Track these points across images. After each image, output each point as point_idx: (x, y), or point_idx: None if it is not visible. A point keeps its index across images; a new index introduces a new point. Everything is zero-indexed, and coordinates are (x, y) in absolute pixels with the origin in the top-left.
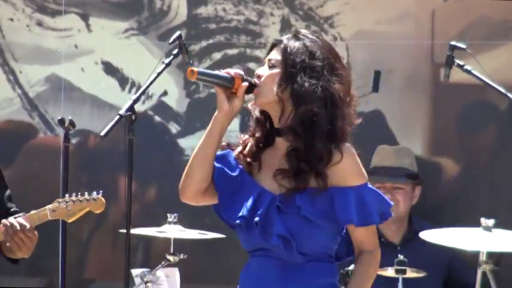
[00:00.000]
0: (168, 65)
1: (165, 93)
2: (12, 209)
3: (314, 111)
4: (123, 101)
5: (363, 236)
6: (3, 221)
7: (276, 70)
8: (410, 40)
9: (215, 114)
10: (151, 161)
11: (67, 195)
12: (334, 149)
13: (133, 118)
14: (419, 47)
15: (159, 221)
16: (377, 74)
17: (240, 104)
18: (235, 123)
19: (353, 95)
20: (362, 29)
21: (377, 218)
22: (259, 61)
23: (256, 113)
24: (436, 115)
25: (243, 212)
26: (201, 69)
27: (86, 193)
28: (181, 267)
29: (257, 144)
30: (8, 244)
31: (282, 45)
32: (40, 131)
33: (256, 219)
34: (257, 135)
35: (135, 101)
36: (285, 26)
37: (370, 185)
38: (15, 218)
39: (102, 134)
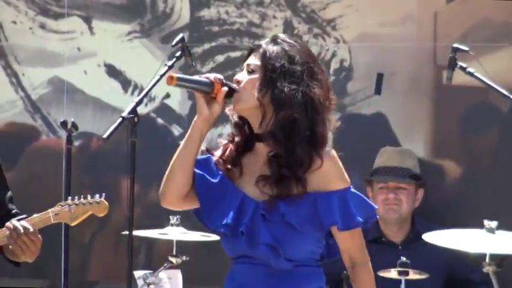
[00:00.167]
0: (170, 67)
1: (167, 95)
2: (13, 211)
3: (294, 117)
4: (126, 103)
5: (349, 242)
6: (7, 224)
7: (256, 75)
8: (412, 42)
9: (194, 119)
10: (153, 163)
11: (70, 198)
12: (315, 155)
13: (135, 120)
14: (422, 49)
15: (161, 223)
16: (379, 77)
17: (219, 108)
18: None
19: (332, 99)
20: (365, 32)
21: (361, 221)
22: None
23: (234, 117)
24: (439, 117)
25: (227, 220)
26: (180, 75)
27: (89, 196)
28: (184, 269)
29: (237, 149)
30: (11, 247)
31: (261, 50)
32: (43, 133)
33: (242, 228)
34: (236, 140)
35: (138, 104)
36: (288, 28)
37: (352, 189)
38: (19, 221)
39: (104, 136)
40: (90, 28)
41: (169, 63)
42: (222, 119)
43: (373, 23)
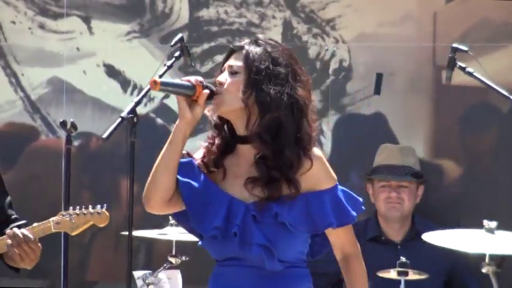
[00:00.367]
0: (170, 67)
1: (167, 95)
2: (12, 216)
3: (281, 119)
4: (125, 103)
5: (342, 236)
6: (7, 231)
7: (239, 77)
8: (412, 42)
9: (176, 123)
10: (153, 163)
11: (71, 208)
12: (303, 156)
13: (135, 120)
14: (421, 49)
15: (161, 223)
16: (379, 77)
17: (201, 111)
18: None
19: (312, 100)
20: (364, 32)
21: (353, 216)
22: None
23: (214, 119)
24: (438, 117)
25: (218, 223)
26: (164, 80)
27: (90, 206)
28: (183, 269)
29: (218, 151)
30: (10, 254)
31: (243, 52)
32: (42, 133)
33: (235, 230)
34: (217, 142)
35: (137, 104)
36: (287, 28)
37: (339, 185)
38: (19, 228)
39: (104, 136)
40: (89, 28)
41: (169, 63)
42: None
43: (372, 23)
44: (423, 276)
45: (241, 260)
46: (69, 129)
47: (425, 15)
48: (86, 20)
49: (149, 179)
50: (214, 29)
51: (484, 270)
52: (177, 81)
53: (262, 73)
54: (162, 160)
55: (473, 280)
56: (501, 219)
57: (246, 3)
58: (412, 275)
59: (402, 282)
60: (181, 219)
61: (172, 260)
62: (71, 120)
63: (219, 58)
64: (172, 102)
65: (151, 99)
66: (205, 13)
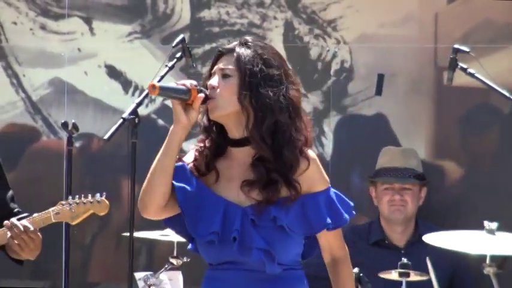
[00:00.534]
0: (171, 68)
1: None
2: (15, 210)
3: (279, 121)
4: (127, 104)
5: (332, 239)
6: (5, 222)
7: (232, 80)
8: (413, 43)
9: (172, 127)
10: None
11: (70, 197)
12: (301, 156)
13: (136, 121)
14: (423, 50)
15: (162, 225)
16: (380, 78)
17: (196, 115)
18: None
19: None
20: (365, 33)
21: (346, 218)
22: None
23: (204, 121)
24: (440, 118)
25: (215, 228)
26: (162, 84)
27: (90, 195)
28: (185, 270)
29: (210, 154)
30: (10, 244)
31: (234, 54)
32: (43, 134)
33: (234, 234)
34: (208, 144)
35: (139, 105)
36: (288, 29)
37: (331, 187)
38: (19, 219)
39: (105, 137)
40: (91, 29)
41: (170, 64)
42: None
43: (373, 23)
44: (424, 278)
45: (238, 264)
46: (71, 130)
47: (426, 16)
48: (87, 21)
49: (145, 185)
50: (216, 29)
51: (485, 272)
52: (173, 85)
53: (258, 76)
54: (158, 165)
55: (475, 275)
56: (502, 220)
57: (247, 4)
58: (414, 276)
59: (404, 284)
60: (169, 222)
61: (174, 261)
62: (72, 121)
63: None
64: None
65: (152, 100)
66: (206, 14)
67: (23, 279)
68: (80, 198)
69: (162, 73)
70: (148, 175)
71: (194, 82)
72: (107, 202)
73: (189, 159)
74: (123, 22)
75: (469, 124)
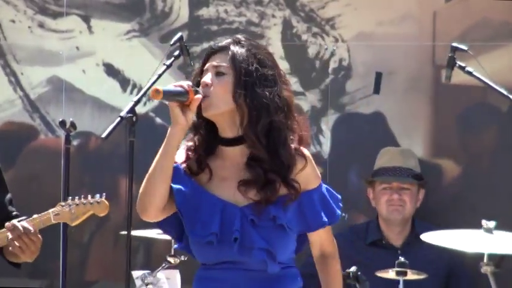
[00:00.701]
0: (169, 66)
1: None
2: (13, 213)
3: (275, 120)
4: (125, 102)
5: (323, 235)
6: (6, 224)
7: (226, 78)
8: (411, 42)
9: (170, 129)
10: (152, 163)
11: (70, 198)
12: (297, 155)
13: (134, 120)
14: (421, 48)
15: None
16: (378, 76)
17: (193, 116)
18: None
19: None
20: (363, 31)
21: (339, 214)
22: None
23: (193, 118)
24: (437, 117)
25: (214, 228)
26: (165, 88)
27: (89, 196)
28: (182, 269)
29: (202, 153)
30: (10, 248)
31: (229, 52)
32: (41, 132)
33: (235, 235)
34: (198, 143)
35: (136, 103)
36: (286, 27)
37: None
38: (19, 221)
39: (103, 135)
40: (89, 27)
41: (168, 62)
42: None
43: (371, 22)
44: (422, 276)
45: (237, 264)
46: (69, 129)
47: (424, 14)
48: (86, 19)
49: (144, 187)
50: (214, 28)
51: (482, 271)
52: (173, 88)
53: (253, 75)
54: (157, 167)
55: (472, 273)
56: (499, 219)
57: (245, 2)
58: (411, 275)
59: (401, 282)
60: (158, 222)
61: (171, 259)
62: (70, 119)
63: None
64: None
65: (150, 99)
66: (205, 12)
67: (20, 278)
68: (79, 199)
69: (160, 71)
70: (147, 177)
71: (190, 83)
72: (107, 203)
73: (179, 159)
74: (121, 20)
75: (467, 122)
